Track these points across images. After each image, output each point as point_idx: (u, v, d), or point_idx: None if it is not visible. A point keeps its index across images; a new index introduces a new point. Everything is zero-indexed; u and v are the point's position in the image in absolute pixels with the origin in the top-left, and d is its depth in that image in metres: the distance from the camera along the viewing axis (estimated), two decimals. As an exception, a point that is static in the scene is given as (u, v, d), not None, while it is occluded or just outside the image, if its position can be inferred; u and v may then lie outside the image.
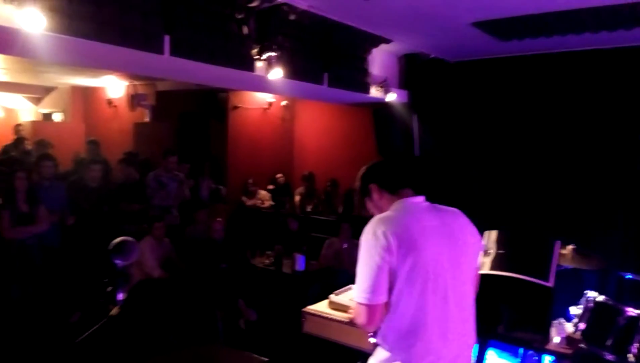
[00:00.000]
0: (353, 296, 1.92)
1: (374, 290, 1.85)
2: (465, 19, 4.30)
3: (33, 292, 4.97)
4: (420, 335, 1.90)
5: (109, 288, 1.49)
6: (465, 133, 5.82)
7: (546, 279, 2.75)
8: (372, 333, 2.04)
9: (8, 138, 8.62)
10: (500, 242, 3.01)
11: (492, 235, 3.08)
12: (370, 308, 1.86)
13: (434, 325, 1.91)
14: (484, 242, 3.03)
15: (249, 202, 8.22)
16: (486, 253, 2.98)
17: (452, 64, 5.84)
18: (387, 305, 1.91)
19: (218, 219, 5.46)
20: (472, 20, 4.33)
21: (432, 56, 5.72)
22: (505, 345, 2.96)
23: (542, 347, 2.80)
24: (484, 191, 5.47)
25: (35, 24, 2.82)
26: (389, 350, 1.92)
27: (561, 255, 3.21)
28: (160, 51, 3.49)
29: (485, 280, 2.33)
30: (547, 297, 2.83)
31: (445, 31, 4.71)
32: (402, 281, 1.86)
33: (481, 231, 2.70)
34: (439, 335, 1.91)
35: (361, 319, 1.90)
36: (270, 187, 8.55)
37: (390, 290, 1.88)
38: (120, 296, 1.50)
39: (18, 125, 9.40)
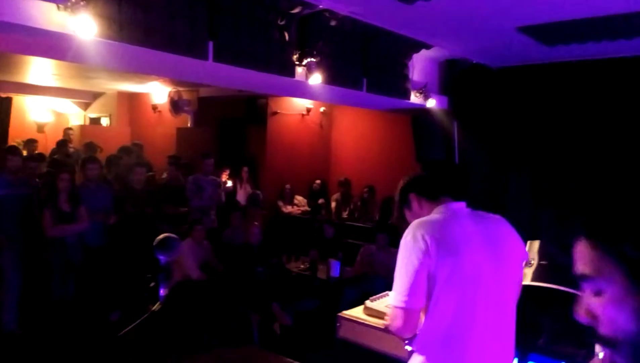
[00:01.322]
0: (390, 300, 1.90)
1: (411, 293, 1.82)
2: (509, 24, 4.22)
3: (74, 291, 5.15)
4: (457, 343, 1.86)
5: (152, 284, 1.53)
6: (508, 141, 5.68)
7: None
8: (407, 341, 2.01)
9: (57, 140, 9.01)
10: (542, 252, 2.92)
11: (534, 245, 2.99)
12: (407, 312, 1.83)
13: (472, 334, 1.86)
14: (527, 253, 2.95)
15: (286, 207, 8.28)
16: (528, 264, 2.90)
17: (495, 70, 5.73)
18: (424, 310, 1.89)
19: (255, 223, 5.53)
20: (516, 25, 4.24)
21: (475, 61, 5.62)
22: (546, 359, 2.86)
23: (585, 362, 2.69)
24: (526, 199, 5.32)
25: (87, 30, 2.94)
26: (425, 357, 1.89)
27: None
28: (204, 57, 3.58)
29: (526, 291, 2.26)
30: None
31: (488, 36, 4.63)
32: (440, 286, 1.83)
33: (523, 241, 2.64)
34: (477, 344, 1.87)
35: (397, 323, 1.87)
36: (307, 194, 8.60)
37: (428, 295, 1.85)
38: (162, 291, 1.54)
39: (68, 129, 9.82)
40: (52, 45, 3.41)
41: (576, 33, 4.29)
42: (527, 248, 2.95)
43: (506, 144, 5.67)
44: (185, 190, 6.44)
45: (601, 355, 2.65)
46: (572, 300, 2.69)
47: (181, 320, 5.17)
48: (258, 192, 7.50)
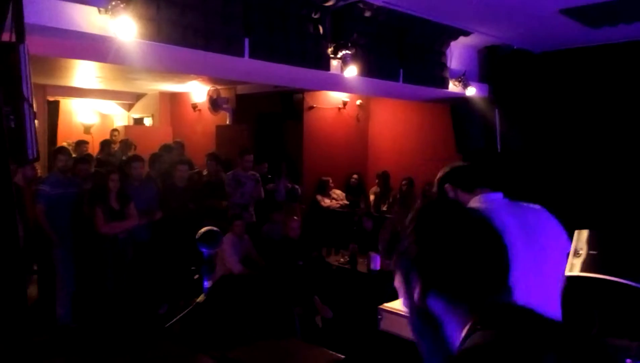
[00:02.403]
0: None
1: None
2: (552, 7, 4.06)
3: (125, 285, 5.34)
4: None
5: (196, 276, 1.57)
6: (553, 128, 5.49)
7: (644, 282, 2.53)
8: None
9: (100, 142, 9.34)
10: (592, 242, 2.81)
11: (583, 235, 2.88)
12: None
13: None
14: (574, 242, 2.85)
15: (324, 201, 8.29)
16: (576, 254, 2.80)
17: (537, 55, 5.53)
18: None
19: (294, 217, 5.56)
20: (559, 8, 4.08)
21: (516, 47, 5.45)
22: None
23: (639, 356, 2.58)
24: (573, 188, 5.13)
25: (127, 31, 3.03)
26: None
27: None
28: (240, 54, 3.62)
29: (575, 283, 2.19)
30: (646, 302, 2.60)
31: (530, 20, 4.48)
32: None
33: (571, 231, 2.54)
34: None
35: None
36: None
37: None
38: (206, 283, 1.57)
39: (114, 130, 10.16)
40: (94, 47, 3.53)
41: (623, 13, 4.09)
42: (575, 238, 2.85)
43: (551, 131, 5.48)
44: (224, 185, 6.55)
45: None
46: (623, 290, 2.60)
47: (225, 313, 5.27)
48: (297, 187, 7.54)
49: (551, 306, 1.92)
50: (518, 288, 1.80)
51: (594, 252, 2.74)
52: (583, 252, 2.79)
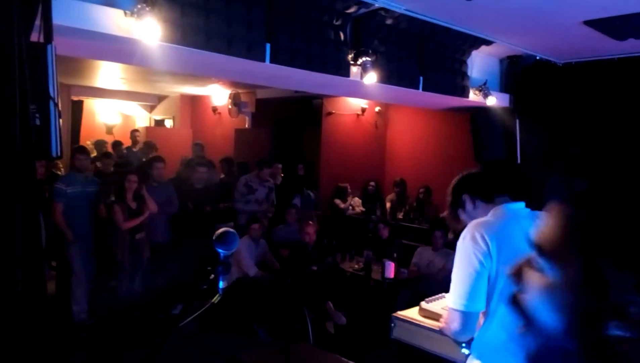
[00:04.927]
0: (448, 302, 1.86)
1: (471, 296, 1.78)
2: (576, 18, 4.02)
3: (141, 284, 5.41)
4: (517, 348, 1.79)
5: (211, 276, 1.59)
6: (575, 140, 5.41)
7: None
8: (465, 344, 1.96)
9: (126, 142, 9.51)
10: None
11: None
12: (465, 315, 1.79)
13: None
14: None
15: (342, 206, 8.29)
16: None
17: (561, 66, 5.47)
18: (484, 314, 1.83)
19: (310, 222, 5.57)
20: (583, 19, 4.03)
21: (539, 57, 5.40)
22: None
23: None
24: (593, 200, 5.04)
25: (152, 35, 3.09)
26: (482, 362, 1.84)
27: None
28: (262, 59, 3.66)
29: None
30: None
31: (553, 31, 4.44)
32: (499, 289, 1.77)
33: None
34: None
35: (455, 326, 1.82)
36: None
37: (488, 298, 1.79)
38: (222, 284, 1.59)
39: (135, 130, 10.33)
40: (119, 49, 3.60)
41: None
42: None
43: (574, 143, 5.40)
44: (230, 188, 6.57)
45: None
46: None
47: (239, 316, 5.30)
48: (310, 192, 7.54)
49: None
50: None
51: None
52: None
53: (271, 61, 3.71)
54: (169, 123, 11.87)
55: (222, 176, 7.39)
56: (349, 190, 8.35)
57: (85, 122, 10.81)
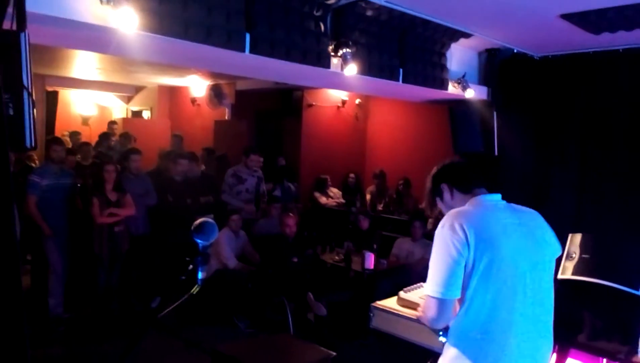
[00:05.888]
0: (425, 290, 1.89)
1: (448, 284, 1.80)
2: (552, 11, 4.08)
3: (118, 278, 5.34)
4: (494, 336, 1.83)
5: (190, 267, 1.58)
6: (552, 132, 5.51)
7: (636, 287, 2.56)
8: (442, 332, 1.99)
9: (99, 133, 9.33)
10: (584, 246, 2.83)
11: (576, 239, 2.91)
12: (442, 302, 1.82)
13: (509, 326, 1.83)
14: (567, 246, 2.87)
15: (322, 199, 8.31)
16: (569, 257, 2.82)
17: (538, 60, 5.55)
18: (460, 302, 1.86)
19: (290, 214, 5.57)
20: (560, 13, 4.10)
21: (516, 50, 5.47)
22: (587, 355, 2.78)
23: (628, 359, 2.61)
24: (567, 192, 5.15)
25: (129, 23, 3.03)
26: (461, 349, 1.87)
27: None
28: (241, 49, 3.62)
29: (567, 286, 2.21)
30: (635, 306, 2.63)
31: (530, 24, 4.50)
32: (477, 278, 1.80)
33: (563, 235, 2.57)
34: (514, 337, 1.84)
35: (431, 313, 1.85)
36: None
37: (465, 286, 1.83)
38: (201, 274, 1.58)
39: (112, 122, 10.15)
40: (95, 38, 3.53)
41: (622, 20, 4.11)
42: (568, 241, 2.88)
43: (550, 136, 5.50)
44: (214, 180, 6.51)
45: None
46: (614, 294, 2.63)
47: (219, 308, 5.29)
48: (291, 185, 7.54)
49: (546, 304, 1.94)
50: (519, 289, 1.83)
51: (587, 256, 2.77)
52: (576, 256, 2.81)
53: (251, 51, 3.68)
54: (146, 114, 11.70)
55: (203, 167, 7.34)
56: (329, 182, 8.37)
57: (60, 113, 10.57)
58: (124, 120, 10.90)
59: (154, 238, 5.71)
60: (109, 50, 4.04)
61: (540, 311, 1.91)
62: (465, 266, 1.80)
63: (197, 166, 6.99)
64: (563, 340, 2.66)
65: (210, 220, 1.57)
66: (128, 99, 11.94)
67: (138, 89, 11.55)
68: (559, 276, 2.73)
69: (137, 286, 5.61)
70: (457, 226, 1.82)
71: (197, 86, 10.12)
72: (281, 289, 5.06)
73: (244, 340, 4.65)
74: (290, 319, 4.86)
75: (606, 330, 2.71)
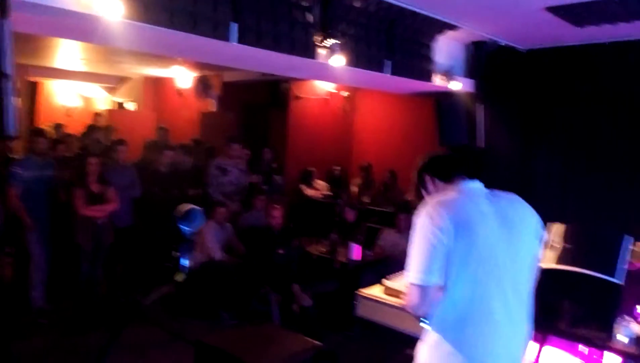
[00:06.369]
0: (406, 277, 1.91)
1: (428, 270, 1.83)
2: (538, 4, 4.12)
3: (104, 269, 5.30)
4: (473, 321, 1.86)
5: (176, 254, 1.58)
6: (537, 124, 5.57)
7: (612, 275, 2.62)
8: (424, 318, 2.02)
9: (86, 125, 9.21)
10: (565, 236, 2.88)
11: (556, 228, 2.96)
12: (423, 289, 1.84)
13: (488, 312, 1.86)
14: (547, 235, 2.92)
15: (307, 191, 8.31)
16: (550, 247, 2.87)
17: (524, 53, 5.60)
18: (440, 288, 1.89)
19: (276, 206, 5.57)
20: (545, 5, 4.14)
21: (502, 43, 5.51)
22: (566, 341, 2.84)
23: (605, 345, 2.67)
24: (552, 183, 5.23)
25: (114, 11, 2.99)
26: (441, 336, 1.90)
27: (633, 252, 3.03)
28: (227, 38, 3.60)
29: (548, 274, 2.25)
30: (613, 294, 2.69)
31: (516, 17, 4.54)
32: (455, 264, 1.83)
33: (549, 224, 2.60)
34: (493, 322, 1.87)
35: (413, 300, 1.87)
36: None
37: (444, 273, 1.85)
38: (186, 262, 1.58)
39: (97, 114, 10.02)
40: (79, 26, 3.48)
41: (606, 13, 4.17)
42: (549, 231, 2.93)
43: (535, 128, 5.57)
44: (200, 173, 6.48)
45: (624, 339, 2.62)
46: (593, 283, 2.68)
47: (204, 300, 5.28)
48: (277, 178, 7.53)
49: (524, 289, 1.96)
50: (497, 274, 1.86)
51: (567, 245, 2.82)
52: (558, 245, 2.86)
53: (237, 41, 3.66)
54: (131, 106, 11.57)
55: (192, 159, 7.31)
56: (315, 174, 8.38)
57: (43, 104, 10.41)
58: (109, 112, 10.77)
59: (139, 230, 5.67)
60: (93, 39, 3.99)
61: (518, 298, 1.94)
62: (445, 253, 1.83)
63: (189, 158, 6.96)
64: (543, 327, 2.71)
65: (196, 207, 1.57)
66: (112, 91, 11.78)
67: (122, 80, 11.41)
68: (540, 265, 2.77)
69: (122, 278, 5.58)
70: (434, 214, 1.85)
71: (183, 77, 10.02)
72: (267, 280, 5.07)
73: (229, 330, 4.65)
74: (275, 310, 4.87)
75: (585, 317, 2.76)
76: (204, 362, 3.41)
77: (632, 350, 2.68)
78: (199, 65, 8.65)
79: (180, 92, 10.29)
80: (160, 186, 5.91)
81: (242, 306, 5.19)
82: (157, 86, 11.04)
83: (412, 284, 1.87)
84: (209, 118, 9.61)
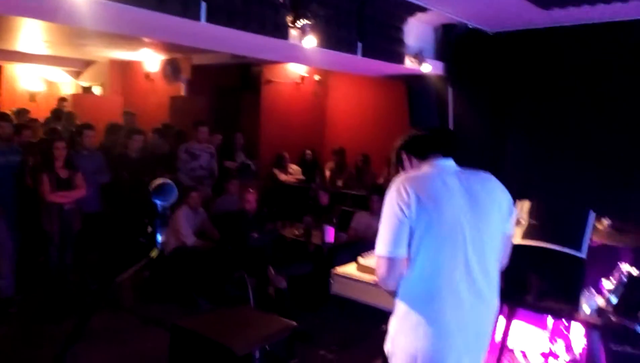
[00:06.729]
0: (375, 250, 1.96)
1: (394, 243, 1.89)
2: (505, -14, 4.17)
3: (72, 257, 5.20)
4: (439, 294, 1.91)
5: (150, 229, 1.55)
6: (505, 106, 5.67)
7: (578, 249, 2.72)
8: (395, 293, 2.06)
9: (50, 110, 8.94)
10: (532, 212, 2.97)
11: (524, 205, 3.04)
12: (390, 261, 1.90)
13: (454, 285, 1.91)
14: (516, 211, 3.00)
15: (281, 176, 8.30)
16: (518, 223, 2.95)
17: (492, 36, 5.67)
18: (407, 261, 1.93)
19: (250, 190, 5.55)
20: (512, -12, 4.19)
21: (471, 26, 5.57)
22: (533, 315, 2.95)
23: (570, 316, 2.78)
24: (519, 162, 5.36)
25: (77, -12, 2.89)
26: (408, 306, 1.95)
27: (596, 230, 3.14)
28: (196, 17, 3.52)
29: (516, 250, 2.31)
30: (579, 268, 2.79)
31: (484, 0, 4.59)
32: (421, 237, 1.89)
33: (516, 201, 2.67)
34: (458, 296, 1.91)
35: (381, 272, 1.93)
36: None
37: (410, 245, 1.90)
38: (160, 237, 1.56)
39: (62, 99, 9.72)
40: (41, 4, 3.35)
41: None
42: (518, 208, 3.01)
43: (503, 110, 5.67)
44: (172, 158, 6.39)
45: (588, 310, 2.72)
46: (559, 257, 2.76)
47: (178, 285, 5.24)
48: (249, 163, 7.48)
49: (490, 264, 2.01)
50: (462, 247, 1.91)
51: (534, 221, 2.91)
52: (524, 221, 2.95)
53: (207, 21, 3.59)
54: (97, 90, 11.27)
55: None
56: (287, 159, 8.37)
57: (5, 89, 10.05)
58: (74, 96, 10.47)
59: (108, 216, 5.58)
60: (56, 18, 3.86)
61: (485, 273, 1.98)
62: (410, 226, 1.87)
63: (165, 143, 6.84)
64: (512, 301, 2.80)
65: (169, 181, 1.55)
66: (77, 75, 11.45)
67: (88, 63, 11.09)
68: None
69: (92, 264, 5.48)
70: (402, 189, 1.91)
71: (151, 60, 9.81)
72: (241, 264, 5.06)
73: (204, 314, 4.64)
74: (250, 293, 4.88)
75: (552, 290, 2.87)
76: (179, 346, 3.40)
77: (596, 320, 2.80)
78: (167, 47, 8.47)
79: (148, 76, 10.07)
80: (130, 171, 5.80)
81: (217, 291, 5.17)
82: (125, 69, 10.77)
83: (380, 256, 1.93)
84: (179, 102, 9.45)
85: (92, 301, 4.51)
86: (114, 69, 10.78)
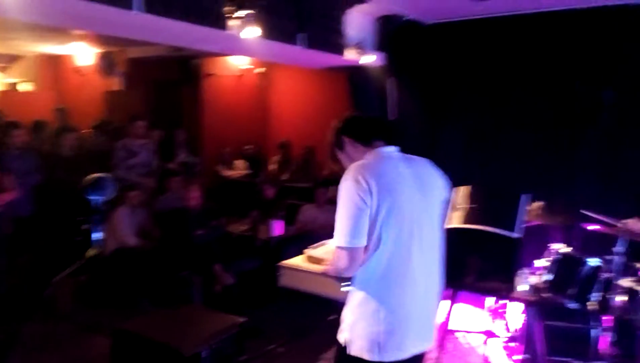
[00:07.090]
0: (334, 242, 1.94)
1: (355, 233, 1.88)
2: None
3: (6, 262, 4.90)
4: (396, 279, 1.94)
5: (85, 226, 1.47)
6: (441, 96, 5.83)
7: (512, 230, 2.84)
8: (344, 282, 2.07)
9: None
10: (469, 197, 3.08)
11: (461, 191, 3.15)
12: (352, 251, 1.89)
13: (410, 270, 1.95)
14: (453, 197, 3.10)
15: (225, 171, 8.18)
16: (455, 208, 3.05)
17: (427, 27, 5.80)
18: (366, 249, 1.95)
19: (193, 187, 5.42)
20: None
21: (408, 17, 5.67)
22: (474, 296, 3.06)
23: (508, 295, 2.91)
24: (455, 151, 5.53)
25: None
26: (365, 292, 1.96)
27: (530, 211, 3.30)
28: (129, 6, 3.37)
29: (455, 234, 2.39)
30: (513, 248, 2.92)
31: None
32: (379, 225, 1.90)
33: (453, 187, 2.75)
34: (413, 280, 1.96)
35: (342, 263, 1.92)
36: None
37: (369, 233, 1.91)
38: (97, 235, 1.48)
39: (-14, 96, 9.09)
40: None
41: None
42: (454, 194, 3.11)
43: (440, 99, 5.83)
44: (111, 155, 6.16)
45: (525, 287, 2.86)
46: (495, 239, 2.87)
47: (120, 288, 5.05)
48: (190, 160, 7.31)
49: (437, 247, 2.09)
50: (416, 232, 1.95)
51: (471, 206, 3.01)
52: (462, 206, 3.05)
53: (143, 10, 3.44)
54: (25, 87, 10.63)
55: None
56: (227, 155, 8.25)
57: None
58: (2, 93, 9.83)
59: (41, 218, 5.29)
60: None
61: (432, 256, 2.06)
62: (370, 214, 1.88)
63: (104, 140, 6.54)
64: (454, 283, 2.89)
65: (105, 175, 1.47)
66: (4, 70, 10.73)
67: (14, 58, 10.41)
68: (447, 225, 2.95)
69: (24, 268, 5.19)
70: (360, 178, 1.90)
71: (84, 54, 9.33)
72: (186, 263, 4.94)
73: (147, 316, 4.50)
74: (196, 292, 4.78)
75: (491, 271, 2.99)
76: (122, 351, 3.29)
77: (532, 297, 2.94)
78: (101, 40, 8.09)
79: (81, 71, 9.58)
80: (64, 171, 5.53)
81: (162, 292, 5.03)
82: (55, 64, 10.19)
83: (340, 247, 1.91)
84: (115, 97, 9.07)
85: (26, 306, 4.26)
86: (44, 65, 10.19)
